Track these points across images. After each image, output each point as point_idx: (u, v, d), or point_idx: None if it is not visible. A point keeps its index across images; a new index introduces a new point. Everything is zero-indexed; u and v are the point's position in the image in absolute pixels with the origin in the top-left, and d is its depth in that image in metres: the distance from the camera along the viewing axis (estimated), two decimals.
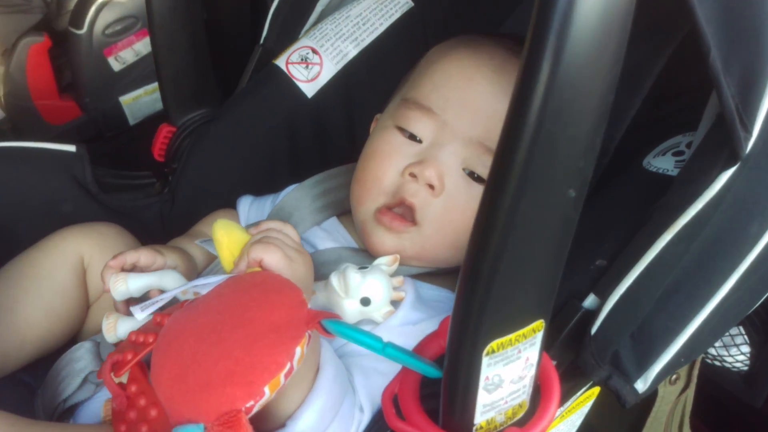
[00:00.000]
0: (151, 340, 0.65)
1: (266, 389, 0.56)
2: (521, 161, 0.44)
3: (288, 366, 0.56)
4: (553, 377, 0.60)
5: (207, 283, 0.66)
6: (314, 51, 1.12)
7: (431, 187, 0.83)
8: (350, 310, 0.77)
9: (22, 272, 0.87)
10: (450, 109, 0.85)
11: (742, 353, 1.06)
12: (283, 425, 0.65)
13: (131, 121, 1.93)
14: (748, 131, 0.59)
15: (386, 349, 0.55)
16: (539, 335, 0.55)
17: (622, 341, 0.67)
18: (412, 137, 0.87)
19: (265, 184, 1.07)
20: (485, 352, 0.52)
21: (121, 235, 0.94)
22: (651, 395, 0.84)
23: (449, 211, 0.84)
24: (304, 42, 1.13)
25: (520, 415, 0.60)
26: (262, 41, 1.16)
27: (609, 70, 0.44)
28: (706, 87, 0.65)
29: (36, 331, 0.84)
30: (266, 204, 1.02)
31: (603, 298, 0.67)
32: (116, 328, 0.72)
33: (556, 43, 0.42)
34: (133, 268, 0.80)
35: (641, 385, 0.68)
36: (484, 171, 0.85)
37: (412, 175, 0.84)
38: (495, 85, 0.86)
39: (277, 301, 0.59)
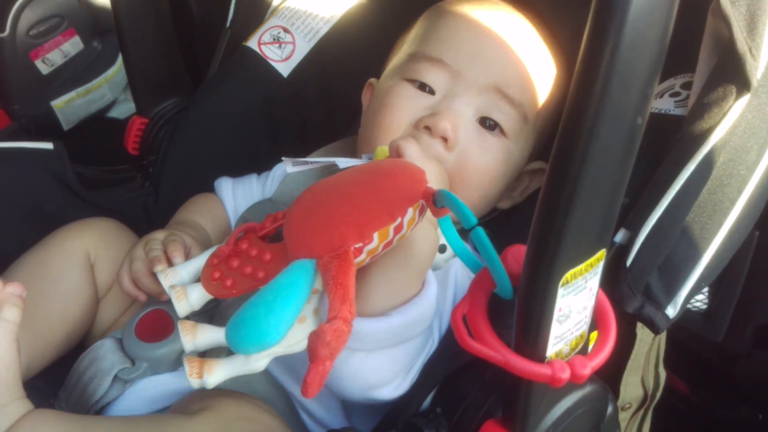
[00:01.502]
0: (280, 216, 0.71)
1: (375, 236, 0.62)
2: (600, 89, 0.47)
3: (398, 221, 0.62)
4: (606, 305, 0.63)
5: (351, 162, 0.71)
6: (285, 30, 1.11)
7: (445, 140, 0.84)
8: None
9: (33, 273, 0.84)
10: (462, 60, 0.87)
11: (702, 293, 1.14)
12: (384, 314, 0.71)
13: (65, 126, 1.84)
14: (757, 60, 0.64)
15: (478, 229, 0.57)
16: (601, 265, 0.58)
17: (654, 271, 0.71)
18: (423, 87, 0.88)
19: (247, 167, 1.06)
20: (561, 282, 0.55)
21: (121, 229, 0.93)
22: (630, 338, 0.89)
23: (462, 164, 0.85)
24: (275, 21, 1.11)
25: (581, 345, 0.63)
26: (228, 24, 1.14)
27: (670, 3, 0.47)
28: (691, 30, 0.70)
29: (56, 334, 0.82)
30: (251, 183, 1.01)
31: (634, 231, 0.70)
32: (188, 297, 0.68)
33: None
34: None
35: (671, 311, 0.73)
36: (500, 117, 0.87)
37: (427, 128, 0.84)
38: (504, 35, 0.88)
39: (403, 171, 0.64)
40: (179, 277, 0.72)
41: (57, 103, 1.80)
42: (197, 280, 0.72)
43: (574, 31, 0.97)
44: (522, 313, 0.57)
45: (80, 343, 0.89)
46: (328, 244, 0.62)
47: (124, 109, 1.79)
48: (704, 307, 1.17)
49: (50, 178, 0.96)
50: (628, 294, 0.71)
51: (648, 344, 1.03)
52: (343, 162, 0.71)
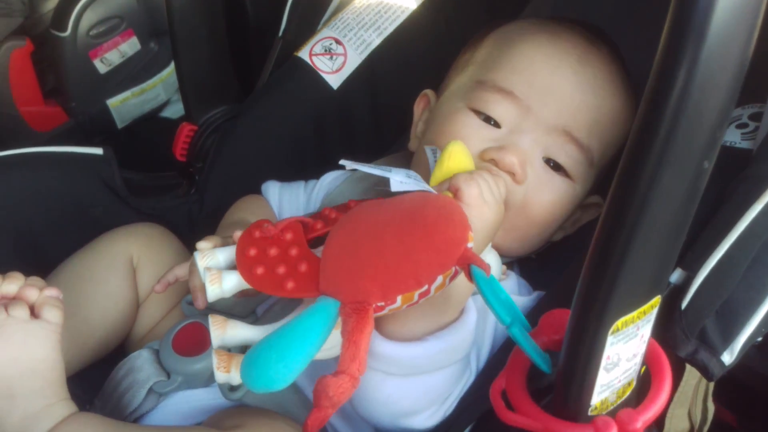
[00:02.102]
0: (333, 216, 0.71)
1: (399, 299, 0.61)
2: (665, 132, 0.44)
3: (425, 288, 0.60)
4: (660, 352, 0.60)
5: (404, 184, 0.68)
6: (337, 41, 1.10)
7: (512, 174, 0.81)
8: None
9: (77, 276, 0.86)
10: (534, 95, 0.84)
11: None
12: (419, 339, 0.69)
13: (119, 124, 1.88)
14: None
15: (512, 327, 0.54)
16: (654, 311, 0.55)
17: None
18: (488, 120, 0.85)
19: (293, 177, 1.04)
20: (611, 330, 0.51)
21: (165, 235, 0.93)
22: (679, 370, 0.85)
23: (527, 202, 0.83)
24: (327, 33, 1.10)
25: (628, 393, 0.60)
26: (281, 34, 1.14)
27: (748, 37, 0.43)
28: (764, 55, 0.65)
29: (95, 336, 0.83)
30: (299, 191, 1.00)
31: (692, 271, 0.66)
32: (221, 281, 0.67)
33: (703, 17, 0.41)
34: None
35: (728, 358, 0.69)
36: (566, 161, 0.84)
37: (492, 161, 0.82)
38: (580, 75, 0.85)
39: (445, 228, 0.62)
40: (215, 260, 0.71)
41: (112, 102, 1.83)
42: (233, 266, 0.70)
43: (645, 63, 0.93)
44: (567, 361, 0.54)
45: (119, 348, 0.90)
46: (352, 295, 0.61)
47: (177, 109, 1.82)
48: (760, 338, 1.11)
49: (98, 183, 0.97)
50: (682, 338, 0.67)
51: (697, 377, 0.98)
52: (396, 183, 0.68)
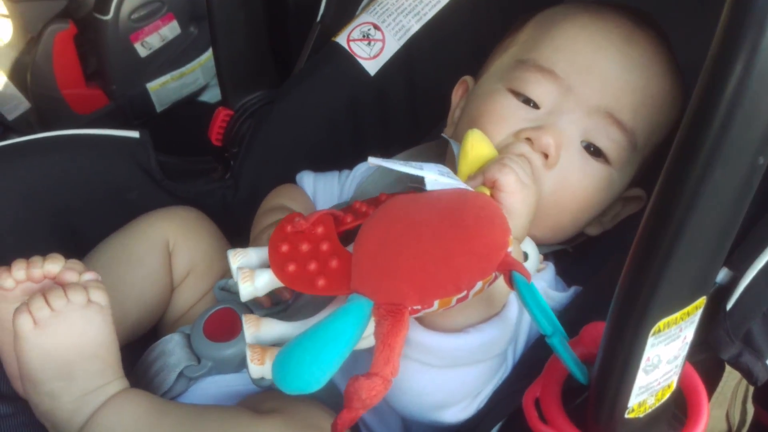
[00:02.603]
0: (363, 210, 0.70)
1: (436, 303, 0.59)
2: (719, 125, 0.41)
3: (464, 293, 0.59)
4: (696, 380, 0.58)
5: (439, 182, 0.66)
6: (376, 27, 1.08)
7: (545, 156, 0.78)
8: None
9: (114, 257, 0.86)
10: (576, 74, 0.80)
11: None
12: (461, 331, 0.67)
13: (158, 108, 1.89)
14: None
15: (552, 336, 0.53)
16: (699, 313, 0.52)
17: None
18: (527, 102, 0.82)
19: (328, 165, 1.04)
20: (652, 331, 0.49)
21: (201, 219, 0.94)
22: (718, 370, 0.82)
23: (559, 187, 0.80)
24: (365, 18, 1.09)
25: (668, 395, 0.57)
26: (319, 18, 1.12)
27: None
28: None
29: (129, 320, 0.83)
30: (333, 181, 0.99)
31: (738, 271, 0.64)
32: (254, 280, 0.67)
33: (764, 3, 0.38)
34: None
35: None
36: (607, 143, 0.81)
37: (528, 140, 0.79)
38: (625, 54, 0.81)
39: (485, 232, 0.60)
40: (248, 259, 0.71)
41: (152, 86, 1.85)
42: (266, 265, 0.70)
43: (697, 48, 0.90)
44: (604, 361, 0.52)
45: (151, 331, 0.91)
46: (387, 297, 0.59)
47: (215, 93, 1.82)
48: None
49: (134, 167, 0.98)
50: (726, 340, 0.64)
51: (737, 378, 0.95)
52: (431, 182, 0.66)
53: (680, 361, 0.55)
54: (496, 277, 0.60)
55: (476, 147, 0.73)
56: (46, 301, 0.68)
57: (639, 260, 0.47)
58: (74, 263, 0.74)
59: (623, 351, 0.51)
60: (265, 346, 0.66)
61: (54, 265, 0.72)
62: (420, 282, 0.59)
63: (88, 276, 0.73)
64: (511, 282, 0.58)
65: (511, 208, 0.70)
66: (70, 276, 0.72)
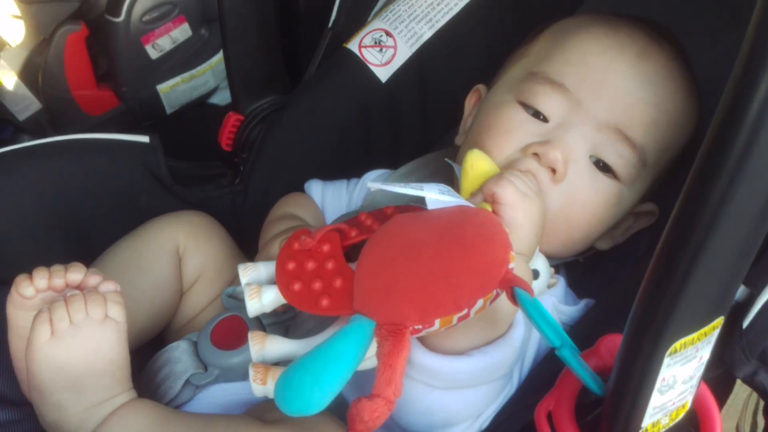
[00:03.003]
0: (368, 223, 0.70)
1: (437, 322, 0.59)
2: (742, 144, 0.40)
3: (464, 312, 0.58)
4: (708, 399, 0.57)
5: (440, 201, 0.66)
6: (388, 33, 1.08)
7: (553, 171, 0.78)
8: None
9: (125, 263, 0.86)
10: (586, 89, 0.79)
11: None
12: (463, 353, 0.66)
13: (168, 110, 1.89)
14: None
15: (563, 349, 0.52)
16: (716, 333, 0.51)
17: None
18: (537, 115, 0.81)
19: (338, 171, 1.03)
20: (668, 352, 0.48)
21: (212, 224, 0.94)
22: (728, 382, 0.81)
23: (567, 202, 0.79)
24: (377, 24, 1.08)
25: (682, 415, 0.56)
26: (330, 25, 1.12)
27: None
28: None
29: (138, 325, 0.83)
30: (342, 190, 0.99)
31: (755, 289, 0.63)
32: (261, 297, 0.67)
33: None
34: None
35: None
36: (616, 160, 0.80)
37: (535, 155, 0.78)
38: (637, 70, 0.80)
39: (485, 249, 0.59)
40: (257, 273, 0.71)
41: (162, 88, 1.85)
42: (274, 280, 0.69)
43: (718, 59, 0.89)
44: (618, 380, 0.51)
45: (157, 337, 0.90)
46: (387, 317, 0.59)
47: (225, 96, 1.82)
48: None
49: (143, 171, 0.97)
50: (741, 358, 0.64)
51: (748, 391, 0.94)
52: (432, 201, 0.65)
53: (696, 381, 0.54)
54: (497, 295, 0.59)
55: (476, 166, 0.73)
56: (68, 313, 0.68)
57: (656, 279, 0.46)
58: (95, 273, 0.73)
59: (638, 371, 0.50)
60: (268, 365, 0.66)
61: (76, 275, 0.72)
62: (420, 301, 0.58)
63: (109, 287, 0.72)
64: (514, 298, 0.57)
65: (512, 222, 0.69)
66: (93, 281, 0.71)
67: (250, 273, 0.70)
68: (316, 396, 0.56)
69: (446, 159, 0.83)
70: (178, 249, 0.89)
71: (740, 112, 0.40)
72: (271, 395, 0.63)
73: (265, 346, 0.67)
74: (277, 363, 0.68)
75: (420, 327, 0.59)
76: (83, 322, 0.68)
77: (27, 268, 0.73)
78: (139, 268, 0.87)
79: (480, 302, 0.58)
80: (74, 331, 0.67)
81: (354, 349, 0.58)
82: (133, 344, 0.84)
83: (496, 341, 0.67)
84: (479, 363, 0.66)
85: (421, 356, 0.65)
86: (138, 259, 0.88)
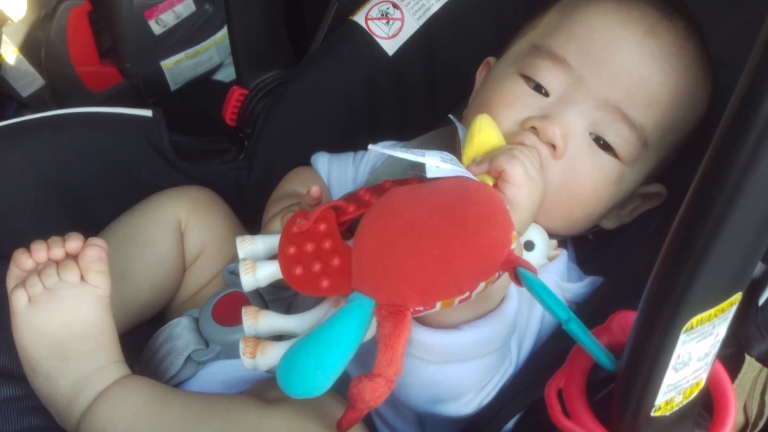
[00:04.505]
0: (366, 198, 0.68)
1: (438, 304, 0.58)
2: (766, 114, 0.38)
3: (466, 294, 0.58)
4: (723, 378, 0.56)
5: (440, 170, 0.64)
6: (395, 5, 1.06)
7: (552, 147, 0.76)
8: None
9: (127, 238, 0.85)
10: (588, 65, 0.78)
11: None
12: (455, 327, 0.66)
13: (172, 86, 1.87)
14: None
15: (569, 323, 0.51)
16: (733, 309, 0.50)
17: None
18: (538, 89, 0.79)
19: (343, 146, 1.02)
20: (684, 328, 0.47)
21: (213, 200, 0.93)
22: (737, 361, 0.80)
23: (567, 178, 0.77)
24: None
25: (696, 393, 0.55)
26: None
27: None
28: None
29: (141, 301, 0.82)
30: (348, 163, 0.97)
31: None
32: (255, 271, 0.67)
33: None
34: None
35: None
36: (615, 139, 0.78)
37: (533, 129, 0.76)
38: (644, 47, 0.78)
39: (486, 231, 0.58)
40: (254, 247, 0.70)
41: (166, 64, 1.83)
42: (272, 254, 0.70)
43: (732, 30, 0.86)
44: (632, 357, 0.50)
45: (159, 314, 0.89)
46: (388, 298, 0.58)
47: (229, 72, 1.80)
48: None
49: (146, 146, 0.96)
50: (756, 336, 0.62)
51: (756, 370, 0.93)
52: (432, 169, 0.64)
53: (711, 358, 0.53)
54: (499, 276, 0.58)
55: (483, 132, 0.71)
56: (39, 278, 0.68)
57: (674, 254, 0.45)
58: (93, 240, 0.72)
59: (653, 348, 0.48)
60: (259, 339, 0.66)
61: (75, 242, 0.71)
62: (421, 284, 0.57)
63: (92, 254, 0.70)
64: (517, 278, 0.56)
65: (516, 201, 0.68)
66: (72, 247, 0.71)
67: (248, 246, 0.69)
68: (320, 379, 0.56)
69: (450, 116, 0.82)
70: (180, 224, 0.88)
71: (765, 81, 0.38)
72: (260, 368, 0.64)
73: (258, 320, 0.67)
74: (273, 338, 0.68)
75: (421, 309, 0.58)
76: (56, 286, 0.68)
77: (28, 243, 0.73)
78: (143, 244, 0.86)
79: (482, 285, 0.58)
80: (49, 295, 0.68)
81: (355, 330, 0.57)
82: (136, 320, 0.84)
83: (488, 315, 0.66)
84: (471, 337, 0.65)
85: (412, 330, 0.64)
86: (141, 234, 0.87)
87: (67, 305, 0.68)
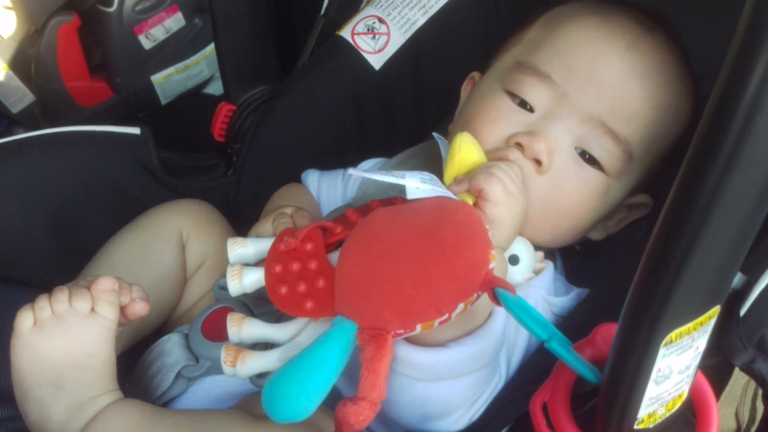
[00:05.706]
0: (353, 219, 0.69)
1: (418, 327, 0.59)
2: (738, 129, 0.39)
3: (445, 317, 0.58)
4: (706, 389, 0.56)
5: (420, 191, 0.65)
6: (381, 20, 1.06)
7: (538, 162, 0.77)
8: None
9: (130, 255, 0.86)
10: (572, 81, 0.79)
11: None
12: (442, 345, 0.66)
13: (163, 101, 1.88)
14: None
15: (551, 341, 0.51)
16: (713, 322, 0.51)
17: None
18: (523, 105, 0.80)
19: (332, 161, 1.02)
20: (664, 342, 0.48)
21: (213, 213, 0.93)
22: (727, 368, 0.81)
23: (554, 192, 0.78)
24: (370, 11, 1.07)
25: (678, 405, 0.56)
26: (323, 11, 1.10)
27: None
28: None
29: (143, 320, 0.81)
30: (337, 179, 0.98)
31: (752, 276, 0.62)
32: (242, 278, 0.68)
33: None
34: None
35: None
36: (600, 152, 0.79)
37: (518, 146, 0.77)
38: (626, 62, 0.79)
39: (464, 252, 0.59)
40: (245, 250, 0.71)
41: (156, 78, 1.83)
42: (262, 257, 0.71)
43: (714, 41, 0.87)
44: (613, 372, 0.50)
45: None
46: (370, 321, 0.59)
47: (220, 86, 1.79)
48: None
49: (135, 163, 0.96)
50: (739, 347, 0.63)
51: (746, 377, 0.94)
52: (412, 190, 0.64)
53: (692, 371, 0.54)
54: (478, 296, 0.59)
55: (464, 150, 0.72)
56: (50, 303, 0.68)
57: (651, 268, 0.45)
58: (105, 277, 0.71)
59: (633, 361, 0.49)
60: (238, 348, 0.67)
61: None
62: (401, 307, 0.58)
63: (104, 285, 0.70)
64: (495, 298, 0.56)
65: (496, 219, 0.69)
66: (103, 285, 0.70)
67: (238, 249, 0.70)
68: (303, 404, 0.56)
69: (434, 134, 0.83)
70: (181, 238, 0.89)
71: (735, 96, 0.39)
72: (239, 377, 0.66)
73: (242, 328, 0.68)
74: (255, 346, 0.70)
75: (402, 332, 0.59)
76: (66, 313, 0.68)
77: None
78: (147, 263, 0.87)
79: (461, 306, 0.58)
80: (56, 322, 0.67)
81: (337, 354, 0.58)
82: (137, 339, 0.84)
83: (474, 332, 0.66)
84: (458, 354, 0.65)
85: (399, 348, 0.65)
86: (144, 251, 0.87)
87: (73, 333, 0.68)
